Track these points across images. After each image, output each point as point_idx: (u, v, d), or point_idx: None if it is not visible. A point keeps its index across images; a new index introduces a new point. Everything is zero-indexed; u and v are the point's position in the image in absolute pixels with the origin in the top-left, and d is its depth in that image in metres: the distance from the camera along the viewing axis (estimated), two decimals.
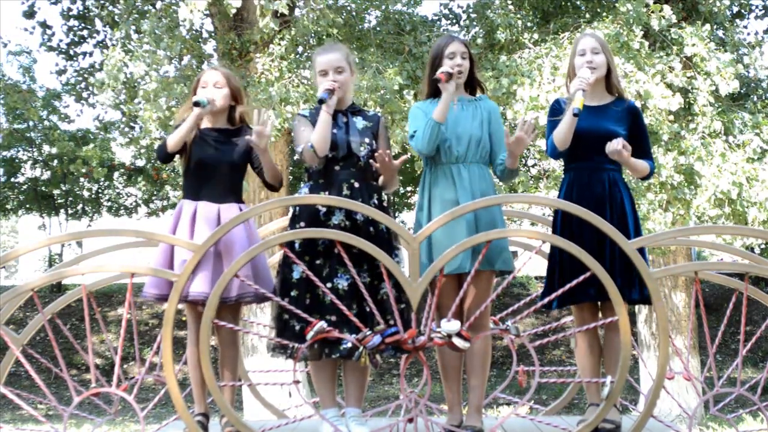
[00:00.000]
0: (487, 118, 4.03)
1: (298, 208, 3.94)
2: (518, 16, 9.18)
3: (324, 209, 3.85)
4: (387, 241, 3.89)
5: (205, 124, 4.09)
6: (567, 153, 4.05)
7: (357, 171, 3.92)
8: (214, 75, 4.09)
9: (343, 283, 3.79)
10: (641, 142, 4.10)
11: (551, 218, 4.26)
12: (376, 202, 3.94)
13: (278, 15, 8.20)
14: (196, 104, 3.94)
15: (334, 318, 3.74)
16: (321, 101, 3.81)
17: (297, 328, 3.77)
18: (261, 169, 4.07)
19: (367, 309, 3.73)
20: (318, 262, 3.82)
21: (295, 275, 3.82)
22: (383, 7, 9.50)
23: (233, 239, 3.89)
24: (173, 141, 3.94)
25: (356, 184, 3.90)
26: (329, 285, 3.78)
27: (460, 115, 3.98)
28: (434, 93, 4.06)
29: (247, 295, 3.91)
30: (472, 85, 4.11)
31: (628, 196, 4.04)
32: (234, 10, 8.05)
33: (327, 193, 3.86)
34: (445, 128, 3.90)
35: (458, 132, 3.95)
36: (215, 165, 4.01)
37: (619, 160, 3.96)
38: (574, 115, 3.86)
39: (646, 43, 8.52)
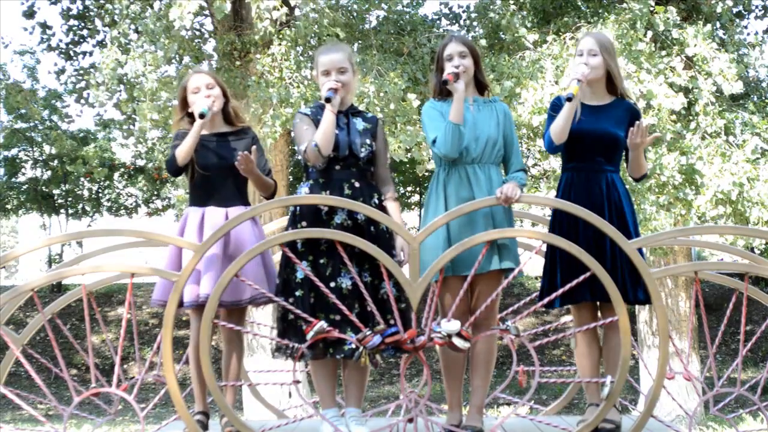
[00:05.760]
0: (503, 120, 4.04)
1: (299, 207, 3.93)
2: (519, 16, 9.16)
3: (326, 208, 3.85)
4: (387, 240, 3.90)
5: (204, 129, 4.08)
6: (565, 152, 4.05)
7: (357, 171, 3.94)
8: (203, 78, 4.07)
9: (346, 282, 3.80)
10: None
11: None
12: (377, 201, 3.95)
13: (275, 19, 8.16)
14: (202, 116, 3.91)
15: (338, 317, 3.75)
16: (328, 100, 3.82)
17: (304, 327, 3.77)
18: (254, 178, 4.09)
19: (369, 308, 3.74)
20: (321, 261, 3.82)
21: (299, 275, 3.82)
22: (385, 7, 9.47)
23: (243, 241, 3.88)
24: (182, 154, 3.92)
25: (357, 184, 3.91)
26: (333, 284, 3.78)
27: (478, 117, 3.98)
28: (443, 92, 4.06)
29: (260, 297, 3.89)
30: (480, 83, 4.10)
31: (626, 197, 4.03)
32: (223, 14, 8.03)
33: (328, 192, 3.86)
34: (464, 129, 3.90)
35: (477, 133, 3.95)
36: (219, 170, 4.01)
37: (638, 145, 3.91)
38: (567, 99, 3.83)
39: (651, 43, 8.51)
